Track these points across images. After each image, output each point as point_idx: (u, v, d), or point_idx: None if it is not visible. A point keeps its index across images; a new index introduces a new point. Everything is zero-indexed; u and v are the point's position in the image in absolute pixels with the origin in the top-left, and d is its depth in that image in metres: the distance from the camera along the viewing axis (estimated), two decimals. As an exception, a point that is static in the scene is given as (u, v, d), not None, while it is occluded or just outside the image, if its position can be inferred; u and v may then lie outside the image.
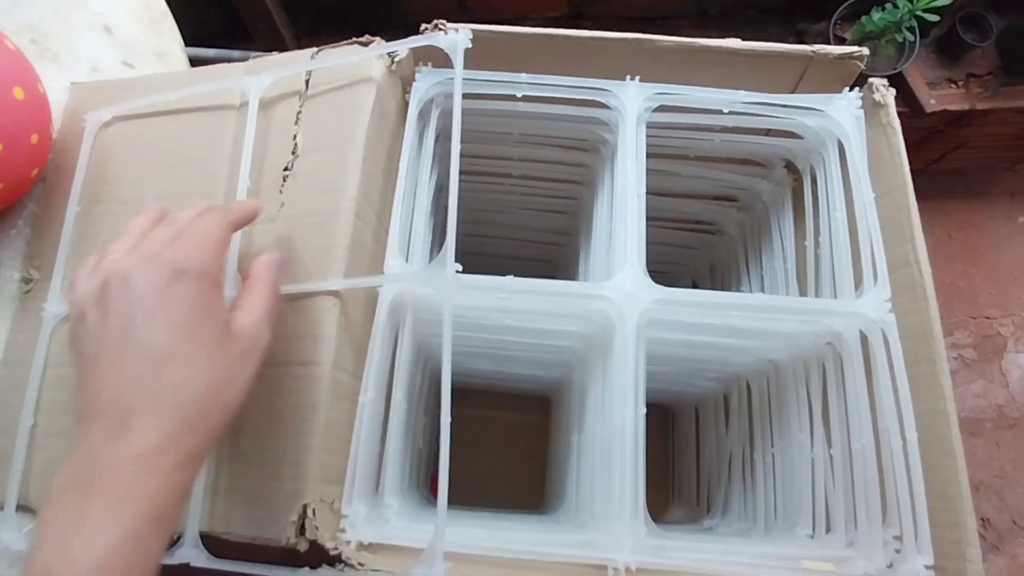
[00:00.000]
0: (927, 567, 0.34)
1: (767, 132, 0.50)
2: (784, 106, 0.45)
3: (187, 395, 0.28)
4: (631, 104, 0.45)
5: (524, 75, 0.45)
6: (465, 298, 0.43)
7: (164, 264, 0.29)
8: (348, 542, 0.35)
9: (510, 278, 0.40)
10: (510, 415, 0.80)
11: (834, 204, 0.45)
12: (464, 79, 0.45)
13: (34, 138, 0.44)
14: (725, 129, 0.49)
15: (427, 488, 0.68)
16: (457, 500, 0.42)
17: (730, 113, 0.46)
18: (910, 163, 0.43)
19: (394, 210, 0.43)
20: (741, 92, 0.45)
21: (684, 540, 0.37)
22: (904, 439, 0.36)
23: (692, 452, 0.69)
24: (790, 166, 0.54)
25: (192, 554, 0.35)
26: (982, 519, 1.19)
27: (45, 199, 0.48)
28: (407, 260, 0.42)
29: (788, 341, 0.46)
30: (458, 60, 0.38)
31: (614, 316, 0.40)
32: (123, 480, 0.26)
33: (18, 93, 0.42)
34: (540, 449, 0.77)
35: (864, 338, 0.40)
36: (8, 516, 0.40)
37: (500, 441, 0.79)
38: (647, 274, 0.41)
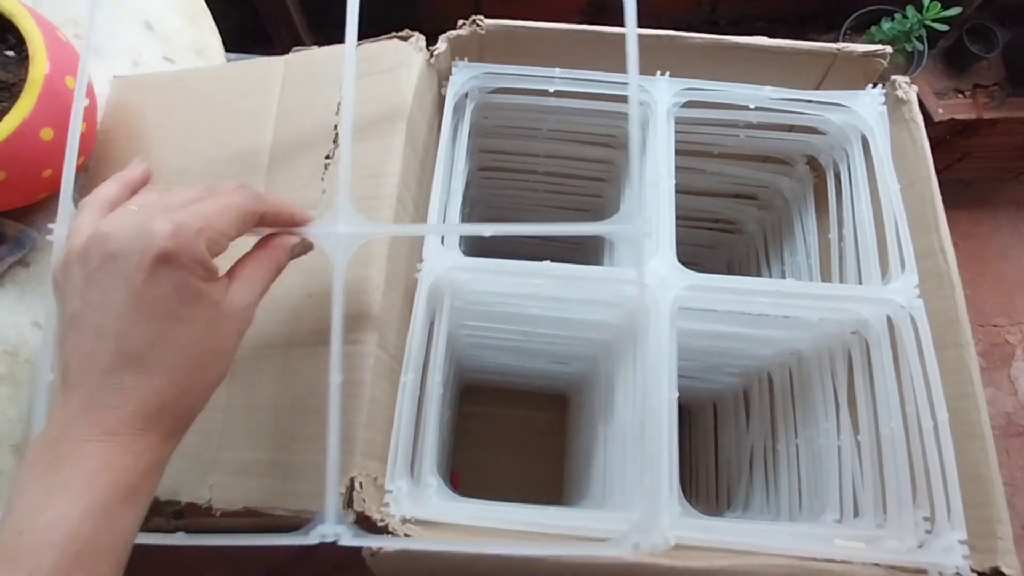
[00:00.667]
0: (961, 542, 0.34)
1: (790, 128, 0.51)
2: (809, 102, 0.47)
3: (168, 380, 0.27)
4: (661, 98, 0.46)
5: (558, 69, 0.46)
6: (498, 284, 0.44)
7: (154, 241, 0.26)
8: (393, 516, 0.36)
9: (547, 263, 0.42)
10: (527, 413, 0.80)
11: (859, 196, 0.46)
12: (498, 73, 0.47)
13: (83, 126, 0.45)
14: (750, 125, 0.51)
15: (448, 481, 0.69)
16: (473, 497, 0.43)
17: (756, 109, 0.47)
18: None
19: (432, 197, 0.44)
20: (768, 88, 0.47)
21: (716, 521, 0.38)
22: (935, 420, 0.37)
23: (710, 449, 0.69)
24: (812, 162, 0.55)
25: (337, 531, 0.31)
26: (992, 527, 1.19)
27: (87, 187, 0.49)
28: (443, 246, 0.44)
29: (814, 330, 0.47)
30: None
31: (648, 301, 0.41)
32: (95, 456, 0.25)
33: (70, 82, 0.43)
34: (556, 447, 0.78)
35: (891, 324, 0.41)
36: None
37: (516, 439, 0.80)
38: (678, 261, 0.42)
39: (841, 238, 0.48)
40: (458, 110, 0.48)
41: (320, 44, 0.48)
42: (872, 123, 0.46)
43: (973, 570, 0.35)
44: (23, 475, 0.26)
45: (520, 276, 0.43)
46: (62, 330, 0.28)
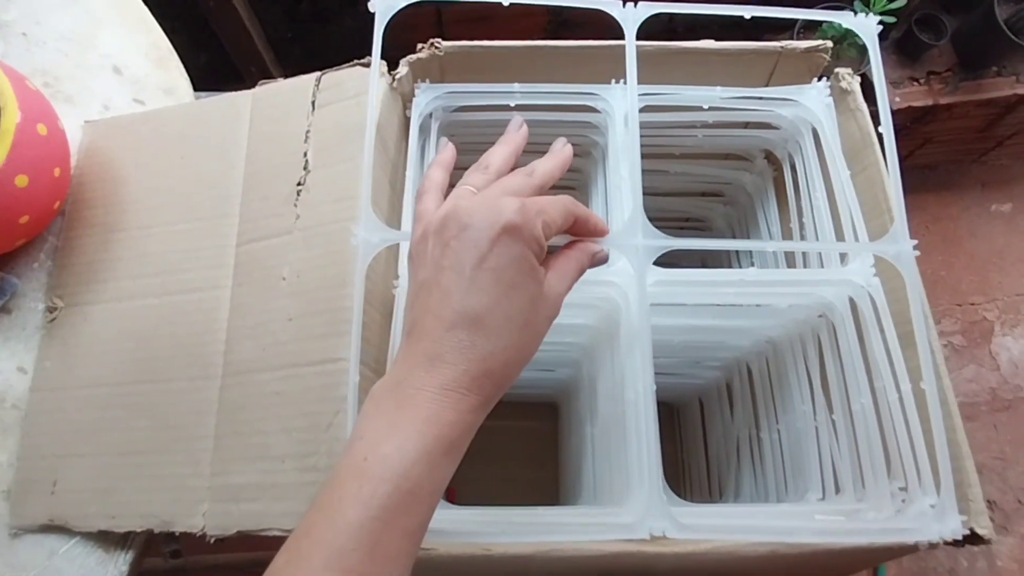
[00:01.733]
0: (932, 506, 0.36)
1: (746, 125, 0.53)
2: (760, 98, 0.49)
3: (496, 346, 0.29)
4: (617, 105, 0.48)
5: (517, 84, 0.48)
6: None
7: (503, 215, 0.30)
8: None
9: None
10: (518, 424, 0.81)
11: (814, 185, 0.48)
12: (459, 92, 0.49)
13: (56, 171, 0.46)
14: (706, 125, 0.52)
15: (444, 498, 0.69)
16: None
17: (710, 109, 0.49)
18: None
19: (404, 216, 0.45)
20: (719, 88, 0.48)
21: (701, 507, 0.39)
22: (899, 391, 0.39)
23: (700, 443, 0.70)
24: (770, 156, 0.57)
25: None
26: (987, 501, 1.21)
27: (66, 231, 0.50)
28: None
29: (784, 317, 0.48)
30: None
31: (619, 299, 0.42)
32: (428, 405, 0.28)
33: (41, 129, 0.45)
34: (550, 456, 0.79)
35: (853, 304, 0.43)
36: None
37: (511, 450, 0.81)
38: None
39: (802, 227, 0.50)
40: (424, 130, 0.50)
41: (288, 75, 0.49)
42: (820, 115, 0.48)
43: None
44: (370, 406, 0.30)
45: None
46: (412, 294, 0.32)
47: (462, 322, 0.29)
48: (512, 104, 0.49)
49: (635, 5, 0.43)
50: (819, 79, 0.50)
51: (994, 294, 1.36)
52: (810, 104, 0.48)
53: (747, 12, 0.43)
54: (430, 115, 0.50)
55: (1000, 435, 1.27)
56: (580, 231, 0.35)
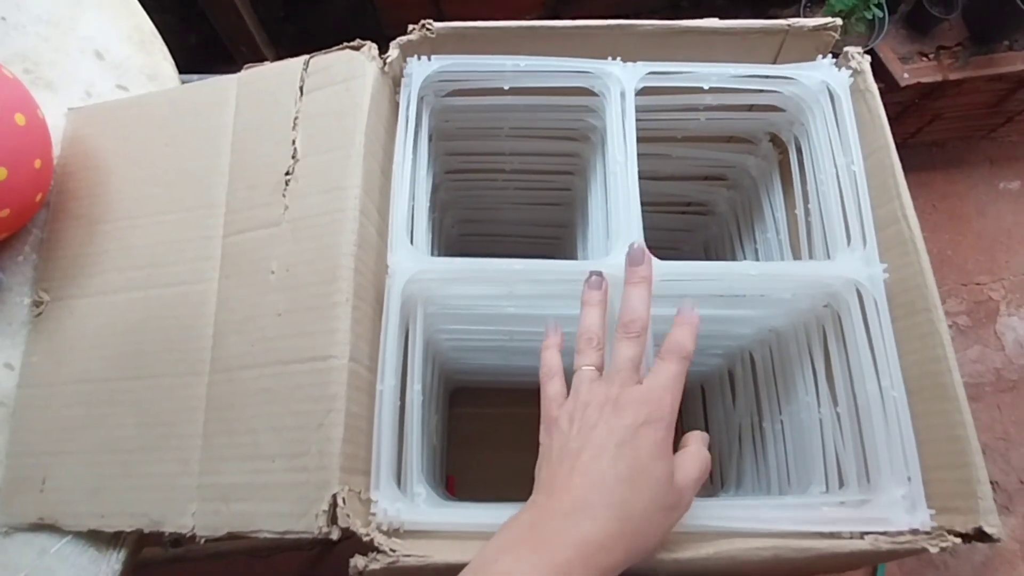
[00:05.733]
0: (903, 497, 0.36)
1: (750, 108, 0.52)
2: (765, 77, 0.47)
3: (631, 511, 0.32)
4: (614, 85, 0.46)
5: (509, 59, 0.46)
6: (469, 286, 0.44)
7: (645, 406, 0.34)
8: (379, 529, 0.35)
9: (514, 260, 0.41)
10: (518, 410, 0.80)
11: (820, 169, 0.46)
12: (450, 68, 0.46)
13: (37, 163, 0.45)
14: (709, 107, 0.51)
15: (443, 486, 0.69)
16: (471, 498, 0.43)
17: (712, 90, 0.47)
18: (888, 138, 0.44)
19: (394, 205, 0.44)
20: (722, 65, 0.46)
21: (702, 499, 0.38)
22: (879, 386, 0.39)
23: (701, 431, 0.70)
24: (775, 140, 0.55)
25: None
26: (991, 483, 1.21)
27: (50, 223, 0.49)
28: (412, 248, 0.43)
29: (787, 307, 0.47)
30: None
31: (614, 295, 0.41)
32: (563, 556, 0.30)
33: (19, 119, 0.43)
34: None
35: (859, 294, 0.41)
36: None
37: (510, 436, 0.80)
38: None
39: (807, 213, 0.49)
40: (415, 111, 0.47)
41: (280, 56, 0.47)
42: (838, 91, 0.45)
43: (956, 532, 0.35)
44: (502, 543, 0.32)
45: (490, 275, 0.43)
46: (549, 458, 0.35)
47: (601, 491, 0.32)
48: (506, 87, 0.47)
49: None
50: (832, 56, 0.47)
51: (1001, 273, 1.34)
52: (818, 82, 0.46)
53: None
54: (422, 99, 0.48)
55: (1004, 416, 1.26)
56: None
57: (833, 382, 0.44)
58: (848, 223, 0.43)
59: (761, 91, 0.48)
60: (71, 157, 0.50)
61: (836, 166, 0.45)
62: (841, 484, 0.43)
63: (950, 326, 1.32)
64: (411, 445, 0.40)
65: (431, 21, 0.45)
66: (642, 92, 0.47)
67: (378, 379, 0.40)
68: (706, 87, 0.47)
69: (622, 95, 0.46)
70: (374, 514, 0.36)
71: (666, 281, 0.41)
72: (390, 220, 0.44)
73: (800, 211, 0.50)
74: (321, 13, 1.10)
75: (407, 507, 0.38)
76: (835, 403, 0.44)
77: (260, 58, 1.06)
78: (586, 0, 1.10)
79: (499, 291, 0.45)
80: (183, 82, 0.62)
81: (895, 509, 0.36)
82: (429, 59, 0.46)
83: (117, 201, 0.47)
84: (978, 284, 1.34)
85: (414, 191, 0.46)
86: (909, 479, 0.37)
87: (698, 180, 0.64)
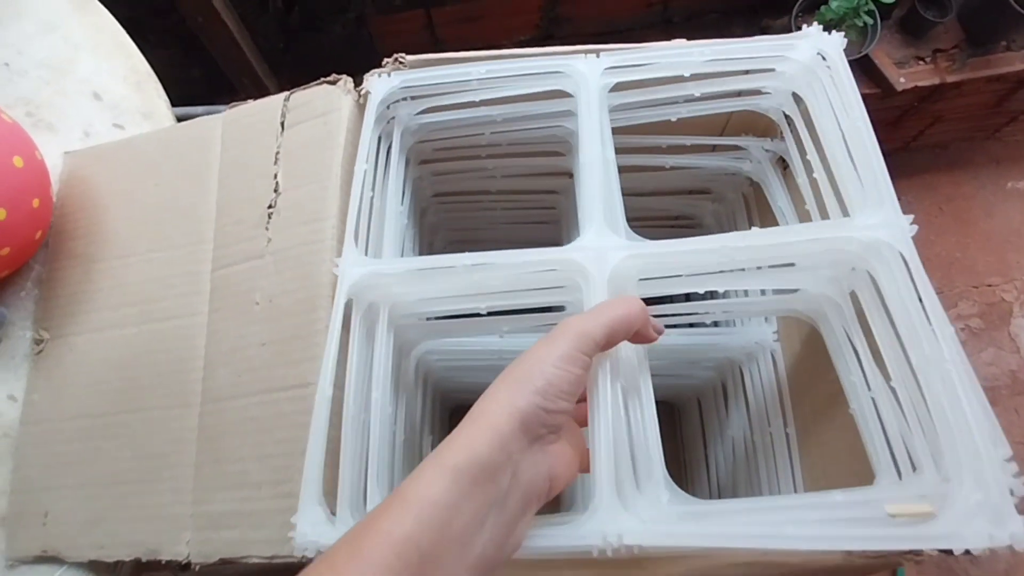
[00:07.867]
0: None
1: (738, 94, 0.49)
2: (748, 58, 0.45)
3: None
4: (583, 81, 0.44)
5: (473, 66, 0.45)
6: (423, 285, 0.40)
7: None
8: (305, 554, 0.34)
9: (472, 254, 0.39)
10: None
11: (827, 137, 0.42)
12: (413, 83, 0.46)
13: (35, 202, 0.47)
14: (691, 100, 0.48)
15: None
16: None
17: (692, 77, 0.45)
18: (886, 143, 0.42)
19: (350, 213, 0.42)
20: (698, 50, 0.44)
21: (716, 504, 0.33)
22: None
23: (699, 443, 0.70)
24: (768, 129, 0.53)
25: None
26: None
27: (49, 262, 0.51)
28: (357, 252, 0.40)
29: (811, 277, 0.41)
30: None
31: (579, 278, 0.38)
32: None
33: (17, 161, 0.45)
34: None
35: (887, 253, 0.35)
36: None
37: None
38: (626, 233, 0.39)
39: (813, 183, 0.44)
40: (383, 133, 0.47)
41: (283, 88, 0.48)
42: (831, 52, 0.43)
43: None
44: None
45: (450, 272, 0.39)
46: None
47: None
48: (477, 100, 0.46)
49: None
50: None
51: (1012, 274, 1.32)
52: (813, 46, 0.43)
53: None
54: (389, 114, 0.48)
55: (1022, 419, 1.24)
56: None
57: (880, 356, 0.37)
58: (863, 181, 0.38)
59: (748, 71, 0.45)
60: (68, 198, 0.52)
61: (841, 128, 0.41)
62: (914, 468, 0.34)
63: (963, 329, 1.30)
64: (374, 459, 0.37)
65: (403, 55, 0.46)
66: (616, 88, 0.45)
67: (346, 393, 0.38)
68: (688, 74, 0.44)
69: (590, 88, 0.44)
70: (291, 537, 0.34)
71: (637, 261, 0.38)
72: (345, 231, 0.41)
73: (809, 203, 0.46)
74: (319, 42, 1.13)
75: (332, 530, 0.34)
76: (888, 378, 0.36)
77: (262, 87, 1.10)
78: (579, 20, 1.11)
79: (458, 285, 0.40)
80: (182, 115, 0.64)
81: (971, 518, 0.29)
82: (389, 75, 0.46)
83: (111, 240, 0.49)
84: (989, 286, 1.32)
85: (363, 194, 0.43)
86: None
87: (684, 194, 0.65)
